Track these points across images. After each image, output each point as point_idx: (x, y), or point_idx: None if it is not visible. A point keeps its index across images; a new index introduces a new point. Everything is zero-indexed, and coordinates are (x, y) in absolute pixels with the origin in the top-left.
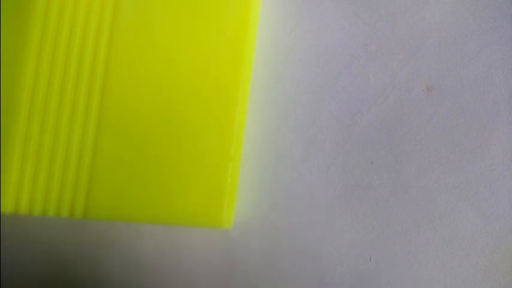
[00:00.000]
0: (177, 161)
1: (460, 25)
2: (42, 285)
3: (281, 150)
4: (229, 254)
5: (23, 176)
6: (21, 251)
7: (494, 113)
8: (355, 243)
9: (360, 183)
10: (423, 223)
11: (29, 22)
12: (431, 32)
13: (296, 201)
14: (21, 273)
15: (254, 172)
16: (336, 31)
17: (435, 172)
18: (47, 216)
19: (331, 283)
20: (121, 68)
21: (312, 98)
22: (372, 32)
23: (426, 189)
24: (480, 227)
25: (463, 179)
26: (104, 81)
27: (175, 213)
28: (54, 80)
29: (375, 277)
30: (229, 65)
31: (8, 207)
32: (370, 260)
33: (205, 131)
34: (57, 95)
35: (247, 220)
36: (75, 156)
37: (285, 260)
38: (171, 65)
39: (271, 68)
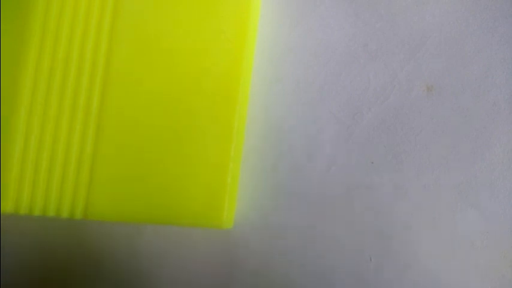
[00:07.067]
0: (177, 161)
1: (460, 25)
2: (42, 285)
3: (281, 150)
4: (229, 254)
5: (23, 176)
6: (21, 251)
7: (494, 113)
8: (355, 243)
9: (360, 183)
10: (423, 223)
11: (29, 22)
12: (431, 32)
13: (296, 201)
14: (21, 273)
15: (254, 172)
16: (336, 31)
17: (435, 172)
18: (47, 216)
19: (331, 283)
20: (121, 68)
21: (312, 98)
22: (372, 32)
23: (426, 189)
24: (480, 227)
25: (463, 179)
26: (104, 81)
27: (175, 213)
28: (55, 79)
29: (375, 277)
30: (229, 65)
31: (8, 207)
32: (370, 260)
33: (205, 130)
34: (57, 94)
35: (247, 220)
36: (76, 156)
37: (285, 260)
38: (170, 65)
39: (271, 68)
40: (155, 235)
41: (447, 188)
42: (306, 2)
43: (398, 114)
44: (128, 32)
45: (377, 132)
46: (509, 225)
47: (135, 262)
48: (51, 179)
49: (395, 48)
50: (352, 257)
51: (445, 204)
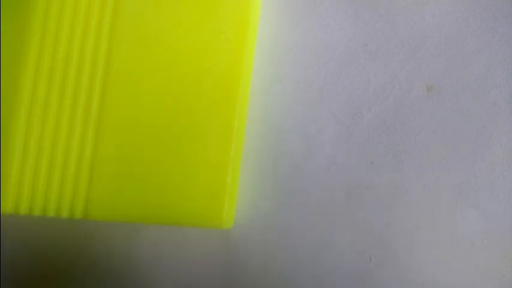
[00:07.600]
0: (177, 161)
1: (460, 25)
2: (42, 285)
3: (281, 150)
4: (229, 254)
5: (23, 176)
6: (21, 251)
7: (494, 113)
8: (355, 243)
9: (360, 183)
10: (423, 223)
11: (29, 22)
12: (431, 32)
13: (296, 201)
14: (21, 273)
15: (254, 172)
16: (336, 31)
17: (435, 172)
18: (47, 216)
19: (331, 283)
20: (121, 68)
21: (312, 98)
22: (372, 32)
23: (426, 189)
24: (480, 227)
25: (463, 179)
26: (104, 81)
27: (175, 213)
28: (55, 79)
29: (375, 277)
30: (229, 65)
31: (8, 207)
32: (370, 260)
33: (206, 130)
34: (57, 94)
35: (247, 220)
36: (75, 156)
37: (285, 260)
38: (171, 65)
39: (271, 68)
40: (155, 235)
41: (447, 188)
42: (306, 2)
43: (398, 114)
44: (128, 32)
45: (377, 132)
46: (509, 225)
47: (135, 262)
48: (51, 179)
49: (395, 48)
50: (352, 257)
51: (445, 204)
